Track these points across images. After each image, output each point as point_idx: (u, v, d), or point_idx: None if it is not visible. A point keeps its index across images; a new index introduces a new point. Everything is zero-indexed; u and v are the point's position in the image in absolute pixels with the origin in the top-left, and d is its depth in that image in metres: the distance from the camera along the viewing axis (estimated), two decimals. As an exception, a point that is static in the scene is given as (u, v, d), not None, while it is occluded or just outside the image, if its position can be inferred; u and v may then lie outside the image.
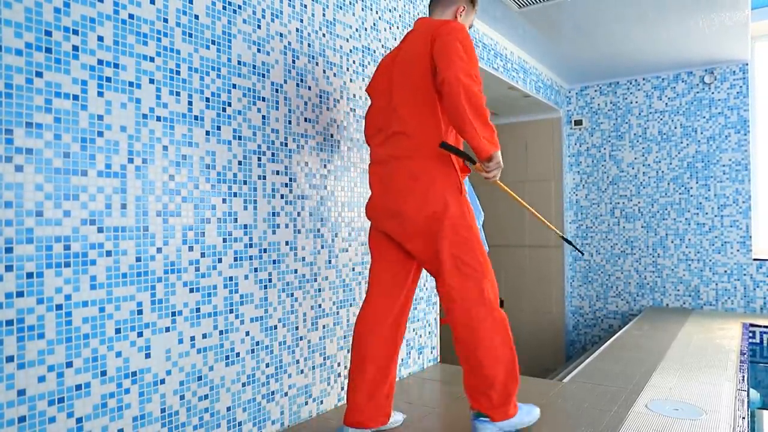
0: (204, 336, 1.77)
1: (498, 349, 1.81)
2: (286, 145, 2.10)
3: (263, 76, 2.01)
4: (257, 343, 1.96)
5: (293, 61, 2.15)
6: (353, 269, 2.44)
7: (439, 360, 3.08)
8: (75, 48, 1.44)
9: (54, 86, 1.39)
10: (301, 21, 2.19)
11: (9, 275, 1.30)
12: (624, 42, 4.11)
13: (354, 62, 2.49)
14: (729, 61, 4.59)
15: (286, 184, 2.10)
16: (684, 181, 4.84)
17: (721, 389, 2.47)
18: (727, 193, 4.64)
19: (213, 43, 1.83)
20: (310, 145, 2.22)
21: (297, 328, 2.13)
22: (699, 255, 4.76)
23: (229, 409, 1.84)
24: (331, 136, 2.34)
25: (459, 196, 1.83)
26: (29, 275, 1.33)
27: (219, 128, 1.84)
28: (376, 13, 2.65)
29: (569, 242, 2.38)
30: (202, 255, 1.77)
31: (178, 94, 1.71)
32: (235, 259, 1.88)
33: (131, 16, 1.58)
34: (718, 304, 4.68)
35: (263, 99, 2.01)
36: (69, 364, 1.41)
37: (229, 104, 1.88)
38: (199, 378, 1.75)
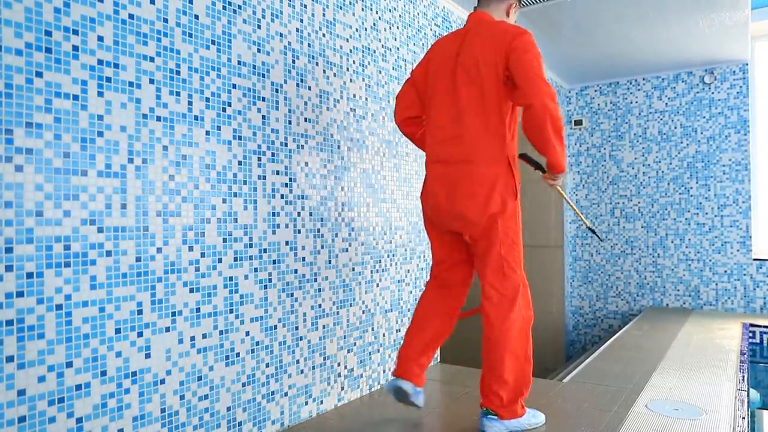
0: (204, 336, 1.77)
1: (519, 351, 1.92)
2: (286, 145, 2.10)
3: (263, 76, 2.01)
4: (257, 343, 1.96)
5: (293, 61, 2.15)
6: (353, 269, 2.44)
7: (438, 360, 3.08)
8: (75, 48, 1.44)
9: (54, 86, 1.39)
10: (301, 21, 2.19)
11: (9, 275, 1.30)
12: (624, 42, 4.11)
13: (354, 62, 2.49)
14: (729, 61, 4.59)
15: (286, 184, 2.10)
16: (684, 181, 4.84)
17: (721, 389, 2.47)
18: (727, 193, 4.64)
19: (213, 43, 1.83)
20: (310, 145, 2.22)
21: (297, 328, 2.13)
22: (699, 255, 4.76)
23: (229, 409, 1.84)
24: (331, 136, 2.34)
25: (515, 200, 1.93)
26: (29, 275, 1.33)
27: (219, 128, 1.84)
28: (376, 13, 2.65)
29: (593, 231, 2.53)
30: (202, 255, 1.77)
31: (178, 94, 1.71)
32: (235, 259, 1.88)
33: (131, 16, 1.58)
34: (718, 304, 4.68)
35: (263, 99, 2.01)
36: (69, 364, 1.41)
37: (229, 104, 1.88)
38: (199, 378, 1.75)
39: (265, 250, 2.00)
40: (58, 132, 1.40)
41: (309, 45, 2.23)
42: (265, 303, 2.00)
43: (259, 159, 1.98)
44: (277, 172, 2.06)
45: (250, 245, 1.94)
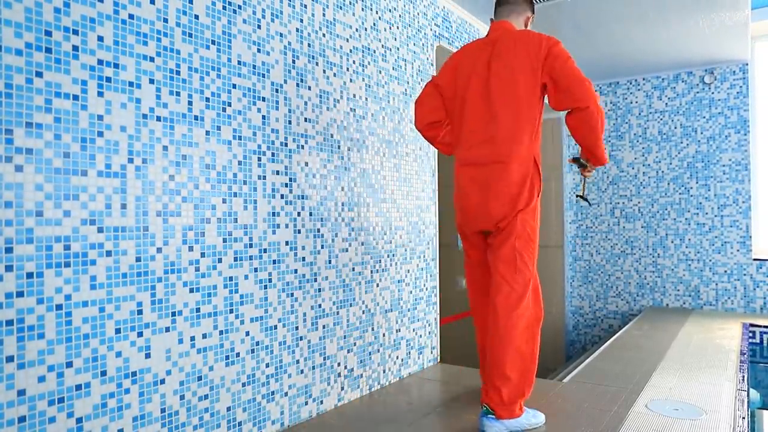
0: (204, 336, 1.77)
1: (524, 348, 1.95)
2: (286, 145, 2.10)
3: (263, 76, 2.01)
4: (257, 343, 1.96)
5: (293, 61, 2.15)
6: (353, 269, 2.44)
7: (438, 360, 3.08)
8: (75, 48, 1.44)
9: (54, 86, 1.39)
10: (301, 21, 2.19)
11: (9, 275, 1.30)
12: (624, 42, 4.11)
13: (354, 62, 2.49)
14: (729, 61, 4.59)
15: (286, 184, 2.10)
16: (684, 181, 4.84)
17: (721, 389, 2.47)
18: (727, 193, 4.64)
19: (213, 43, 1.83)
20: (310, 145, 2.22)
21: (297, 328, 2.13)
22: (699, 255, 4.76)
23: (229, 409, 1.84)
24: (331, 136, 2.34)
25: (537, 197, 2.04)
26: (29, 275, 1.33)
27: (219, 128, 1.84)
28: (376, 13, 2.65)
29: (584, 198, 2.56)
30: (202, 255, 1.77)
31: (178, 94, 1.71)
32: (235, 259, 1.88)
33: (131, 16, 1.58)
34: (718, 304, 4.68)
35: (263, 99, 2.01)
36: (69, 364, 1.41)
37: (229, 104, 1.88)
38: (199, 378, 1.75)
39: (265, 250, 2.00)
40: (58, 132, 1.40)
41: (309, 45, 2.23)
42: (265, 303, 2.00)
43: (259, 159, 1.98)
44: (277, 172, 2.06)
45: (250, 245, 1.94)
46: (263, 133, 2.00)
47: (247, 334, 1.92)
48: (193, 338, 1.73)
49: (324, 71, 2.31)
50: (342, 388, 2.36)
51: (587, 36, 3.98)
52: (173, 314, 1.67)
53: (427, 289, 3.00)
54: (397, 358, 2.72)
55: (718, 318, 4.31)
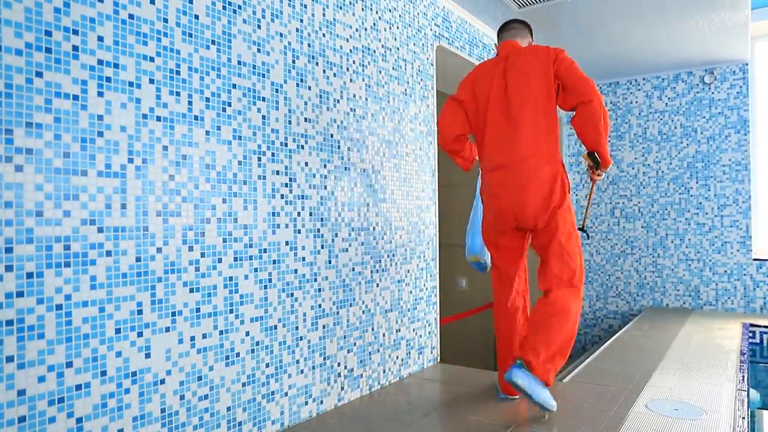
0: (204, 336, 1.77)
1: (569, 325, 2.13)
2: (286, 145, 2.10)
3: (263, 76, 2.01)
4: (257, 343, 1.96)
5: (293, 61, 2.15)
6: (353, 269, 2.44)
7: (438, 360, 3.08)
8: (75, 48, 1.44)
9: (54, 86, 1.39)
10: (301, 21, 2.19)
11: (9, 275, 1.30)
12: (624, 42, 4.11)
13: (354, 62, 2.49)
14: (729, 61, 4.59)
15: (286, 184, 2.10)
16: (684, 181, 4.84)
17: (721, 389, 2.47)
18: (727, 193, 4.64)
19: (213, 43, 1.83)
20: (310, 145, 2.22)
21: (297, 328, 2.13)
22: (699, 255, 4.76)
23: (229, 409, 1.84)
24: (331, 136, 2.34)
25: (569, 194, 2.21)
26: (29, 275, 1.33)
27: (219, 128, 1.84)
28: (376, 13, 2.65)
29: (583, 230, 2.63)
30: (202, 255, 1.77)
31: (178, 94, 1.71)
32: (235, 259, 1.88)
33: (131, 16, 1.58)
34: (718, 304, 4.68)
35: (263, 99, 2.01)
36: (69, 364, 1.41)
37: (229, 104, 1.88)
38: (199, 378, 1.75)
39: (265, 250, 2.00)
40: (58, 132, 1.40)
41: (309, 45, 2.23)
42: (265, 303, 2.00)
43: (259, 159, 1.98)
44: (277, 172, 2.06)
45: (250, 245, 1.94)
46: (263, 133, 2.00)
47: (247, 334, 1.92)
48: (193, 338, 1.73)
49: (324, 71, 2.31)
50: (342, 388, 2.36)
51: (587, 36, 3.98)
52: (173, 314, 1.67)
53: (427, 289, 2.99)
54: (397, 358, 2.72)
55: (718, 318, 4.31)
